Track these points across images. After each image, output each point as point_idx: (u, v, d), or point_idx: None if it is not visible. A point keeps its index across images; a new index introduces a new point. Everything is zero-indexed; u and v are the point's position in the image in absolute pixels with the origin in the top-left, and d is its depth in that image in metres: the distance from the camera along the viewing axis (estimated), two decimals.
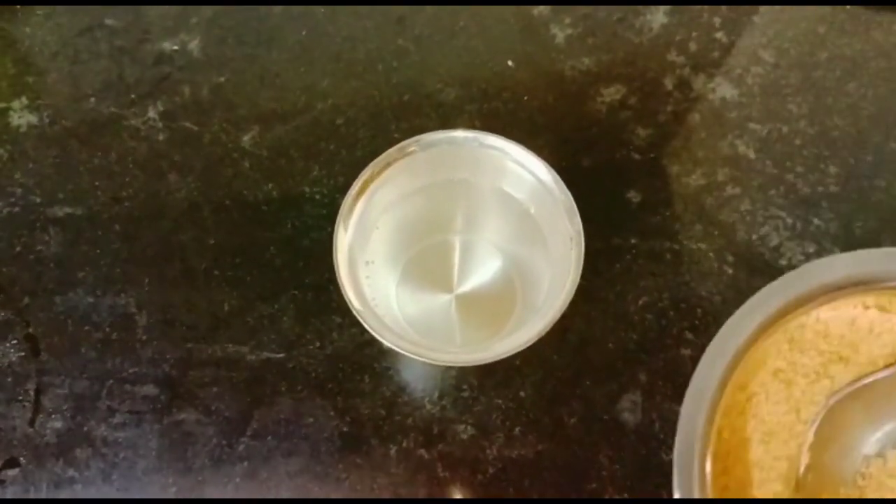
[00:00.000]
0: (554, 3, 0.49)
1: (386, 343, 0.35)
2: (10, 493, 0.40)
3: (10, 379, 0.42)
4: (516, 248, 0.41)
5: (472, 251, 0.42)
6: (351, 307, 0.36)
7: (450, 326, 0.40)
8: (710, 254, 0.43)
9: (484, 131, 0.39)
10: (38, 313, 0.43)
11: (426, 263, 0.41)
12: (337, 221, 0.37)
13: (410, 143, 0.38)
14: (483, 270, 0.41)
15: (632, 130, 0.46)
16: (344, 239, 0.37)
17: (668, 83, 0.47)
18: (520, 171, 0.39)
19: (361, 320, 0.36)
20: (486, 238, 0.41)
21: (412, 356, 0.35)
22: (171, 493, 0.40)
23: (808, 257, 0.43)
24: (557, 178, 0.37)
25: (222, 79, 0.48)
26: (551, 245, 0.39)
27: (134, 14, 0.49)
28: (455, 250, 0.42)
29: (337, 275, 0.36)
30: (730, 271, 0.43)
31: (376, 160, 0.38)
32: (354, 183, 0.38)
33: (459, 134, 0.39)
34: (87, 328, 0.43)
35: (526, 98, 0.47)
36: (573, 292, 0.35)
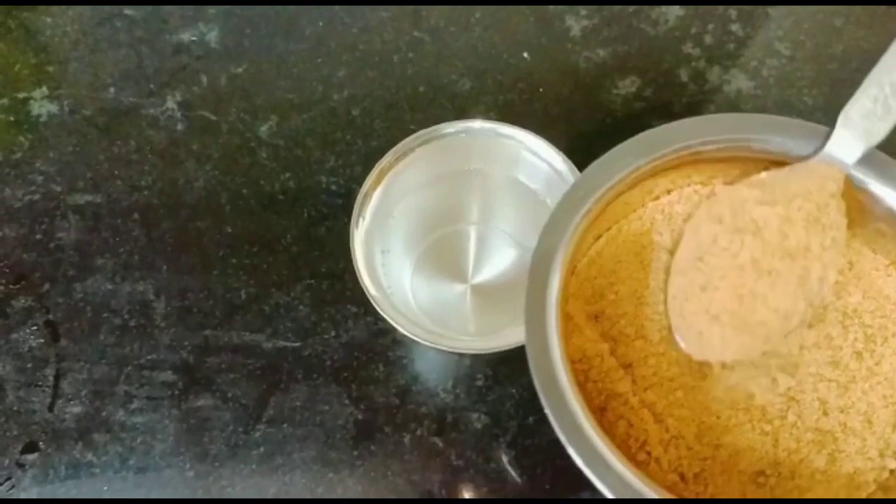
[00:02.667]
0: (570, 3, 0.49)
1: (401, 330, 0.36)
2: (29, 477, 0.41)
3: (29, 364, 0.43)
4: (531, 238, 0.41)
5: (487, 241, 0.42)
6: (367, 294, 0.36)
7: (464, 316, 0.41)
8: None
9: (499, 121, 0.39)
10: (58, 299, 0.44)
11: (441, 253, 0.42)
12: (354, 210, 0.38)
13: (427, 133, 0.39)
14: (498, 260, 0.41)
15: (647, 122, 0.45)
16: (361, 227, 0.37)
17: (684, 75, 0.47)
18: (535, 161, 0.39)
19: (378, 308, 0.36)
20: (501, 228, 0.42)
21: (427, 344, 0.36)
22: (187, 479, 0.41)
23: None
24: (573, 167, 0.38)
25: (240, 69, 0.48)
26: None
27: (153, 5, 0.50)
28: (470, 240, 0.42)
29: (354, 263, 0.37)
30: None
31: (393, 149, 0.38)
32: (371, 172, 0.38)
33: (476, 124, 0.39)
34: (105, 314, 0.43)
35: (541, 90, 0.47)
36: None
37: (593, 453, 0.28)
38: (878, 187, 0.32)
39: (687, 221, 0.34)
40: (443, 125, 0.39)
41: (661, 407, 0.32)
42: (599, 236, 0.35)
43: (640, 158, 0.32)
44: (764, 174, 0.33)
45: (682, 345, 0.32)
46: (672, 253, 0.34)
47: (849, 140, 0.31)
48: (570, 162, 0.38)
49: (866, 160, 0.32)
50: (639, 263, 0.34)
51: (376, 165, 0.38)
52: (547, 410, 0.29)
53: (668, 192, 0.35)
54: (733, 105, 0.46)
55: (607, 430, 0.30)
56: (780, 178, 0.32)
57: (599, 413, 0.32)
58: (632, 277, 0.34)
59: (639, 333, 0.33)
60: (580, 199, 0.32)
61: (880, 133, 0.30)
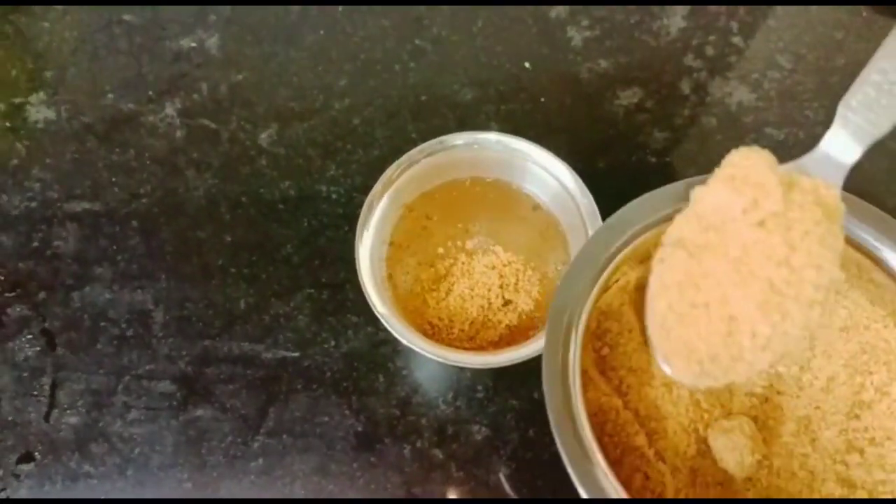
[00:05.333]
0: (572, 3, 0.49)
1: (405, 342, 0.35)
2: (25, 488, 0.41)
3: (25, 373, 0.42)
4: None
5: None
6: (374, 311, 0.36)
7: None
8: None
9: (503, 133, 0.39)
10: (55, 308, 0.43)
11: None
12: (358, 224, 0.37)
13: (433, 144, 0.38)
14: None
15: (648, 133, 0.46)
16: (365, 241, 0.37)
17: (685, 87, 0.47)
18: (542, 175, 0.39)
19: (383, 321, 0.36)
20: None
21: (431, 357, 0.35)
22: (185, 490, 0.40)
23: None
24: (580, 181, 0.37)
25: (240, 77, 0.48)
26: (572, 248, 0.39)
27: (152, 11, 0.49)
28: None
29: (359, 278, 0.36)
30: None
31: (398, 161, 0.38)
32: (377, 183, 0.38)
33: (481, 136, 0.39)
34: (103, 324, 0.43)
35: (543, 100, 0.47)
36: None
37: None
38: (875, 244, 0.31)
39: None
40: (448, 136, 0.39)
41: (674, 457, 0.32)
42: (607, 289, 0.34)
43: (646, 217, 0.32)
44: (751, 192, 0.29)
45: (668, 370, 0.30)
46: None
47: (847, 137, 0.28)
48: (577, 176, 0.38)
49: (863, 215, 0.30)
50: (635, 313, 0.33)
51: (382, 176, 0.38)
52: (569, 468, 0.29)
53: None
54: (734, 117, 0.46)
55: (625, 482, 0.30)
56: (772, 193, 0.28)
57: (617, 466, 0.31)
58: (634, 328, 0.33)
59: (643, 381, 0.33)
60: (595, 253, 0.32)
61: (885, 125, 0.27)
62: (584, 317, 0.31)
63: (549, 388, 0.29)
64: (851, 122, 0.27)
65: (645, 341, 0.33)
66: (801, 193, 0.27)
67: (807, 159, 0.28)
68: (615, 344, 0.33)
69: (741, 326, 0.27)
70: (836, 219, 0.27)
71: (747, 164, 0.27)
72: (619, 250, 0.32)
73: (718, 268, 0.28)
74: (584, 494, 0.28)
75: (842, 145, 0.28)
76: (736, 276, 0.27)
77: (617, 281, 0.34)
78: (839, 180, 0.28)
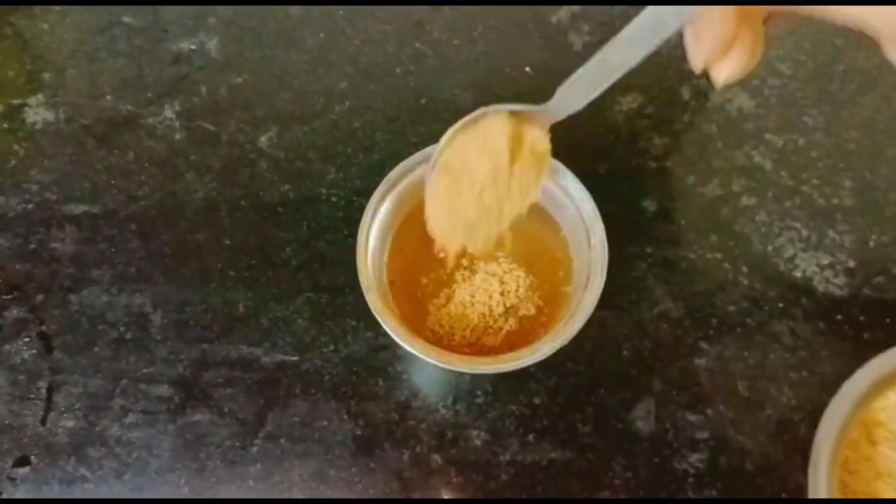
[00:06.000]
0: (574, 3, 0.49)
1: (406, 348, 0.35)
2: (21, 492, 0.40)
3: (22, 377, 0.42)
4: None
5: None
6: (375, 314, 0.36)
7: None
8: (726, 264, 0.43)
9: None
10: (53, 311, 0.43)
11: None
12: (361, 225, 0.37)
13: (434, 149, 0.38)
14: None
15: (648, 139, 0.46)
16: (369, 243, 0.37)
17: (685, 93, 0.47)
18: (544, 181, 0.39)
19: (385, 326, 0.36)
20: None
21: (431, 362, 0.35)
22: (183, 494, 0.40)
23: (822, 269, 0.43)
24: (581, 186, 0.37)
25: (240, 79, 0.48)
26: (573, 253, 0.39)
27: (152, 13, 0.49)
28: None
29: (360, 280, 0.36)
30: (745, 282, 0.43)
31: (401, 165, 0.38)
32: (379, 186, 0.38)
33: None
34: (101, 327, 0.43)
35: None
36: (595, 304, 0.35)
37: None
38: None
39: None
40: None
41: None
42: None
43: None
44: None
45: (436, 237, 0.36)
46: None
47: (561, 103, 0.36)
48: (578, 180, 0.38)
49: None
50: (870, 444, 0.39)
51: (385, 180, 0.38)
52: None
53: None
54: (734, 123, 0.46)
55: None
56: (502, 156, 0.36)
57: None
58: (870, 458, 0.39)
59: None
60: (854, 393, 0.38)
61: (591, 94, 0.35)
62: (840, 448, 0.38)
63: None
64: (566, 93, 0.35)
65: (880, 471, 0.39)
66: (523, 143, 0.36)
67: (538, 110, 0.36)
68: (854, 470, 0.39)
69: (481, 214, 0.36)
70: (542, 159, 0.36)
71: (490, 129, 0.36)
72: (871, 391, 0.39)
73: (466, 184, 0.36)
74: None
75: (557, 107, 0.36)
76: (477, 187, 0.36)
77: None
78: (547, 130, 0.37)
